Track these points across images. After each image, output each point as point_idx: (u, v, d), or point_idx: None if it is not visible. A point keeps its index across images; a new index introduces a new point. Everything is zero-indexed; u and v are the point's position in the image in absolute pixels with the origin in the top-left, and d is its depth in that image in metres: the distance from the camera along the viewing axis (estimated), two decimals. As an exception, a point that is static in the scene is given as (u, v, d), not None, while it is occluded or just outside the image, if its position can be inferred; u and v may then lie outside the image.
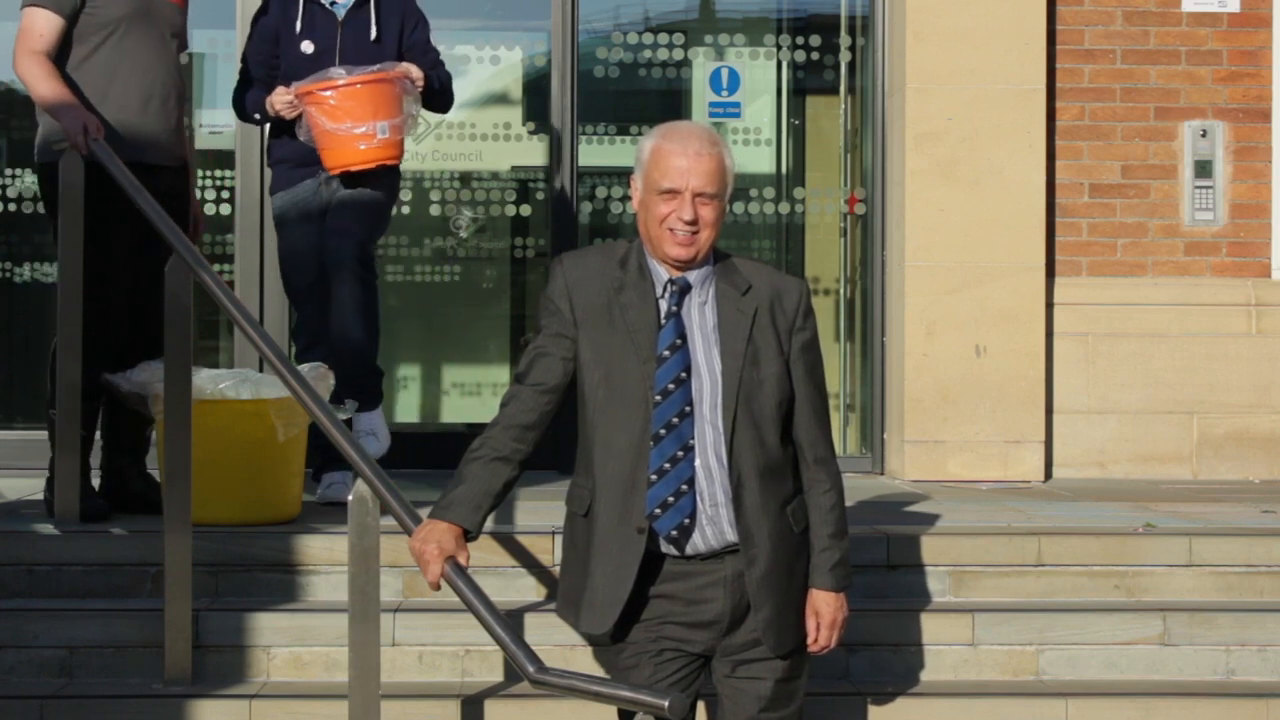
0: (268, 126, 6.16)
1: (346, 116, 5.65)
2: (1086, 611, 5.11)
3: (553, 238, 7.48)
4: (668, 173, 3.65)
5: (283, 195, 5.98)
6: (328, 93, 5.65)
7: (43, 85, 5.31)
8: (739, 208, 7.82)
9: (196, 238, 5.75)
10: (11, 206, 7.72)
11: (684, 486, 3.64)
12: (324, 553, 5.10)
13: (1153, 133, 7.45)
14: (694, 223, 3.65)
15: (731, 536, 3.68)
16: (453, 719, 4.66)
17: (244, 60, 6.05)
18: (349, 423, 5.79)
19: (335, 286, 5.84)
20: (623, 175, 7.79)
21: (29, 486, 6.12)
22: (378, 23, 5.90)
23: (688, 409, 3.65)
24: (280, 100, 5.75)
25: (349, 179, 5.81)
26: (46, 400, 5.45)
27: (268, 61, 5.91)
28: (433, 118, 6.76)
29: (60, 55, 5.37)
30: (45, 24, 5.34)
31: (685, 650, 3.73)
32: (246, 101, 5.97)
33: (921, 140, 7.16)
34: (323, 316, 5.92)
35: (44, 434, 5.46)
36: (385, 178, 5.92)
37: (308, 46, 5.83)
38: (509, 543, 5.15)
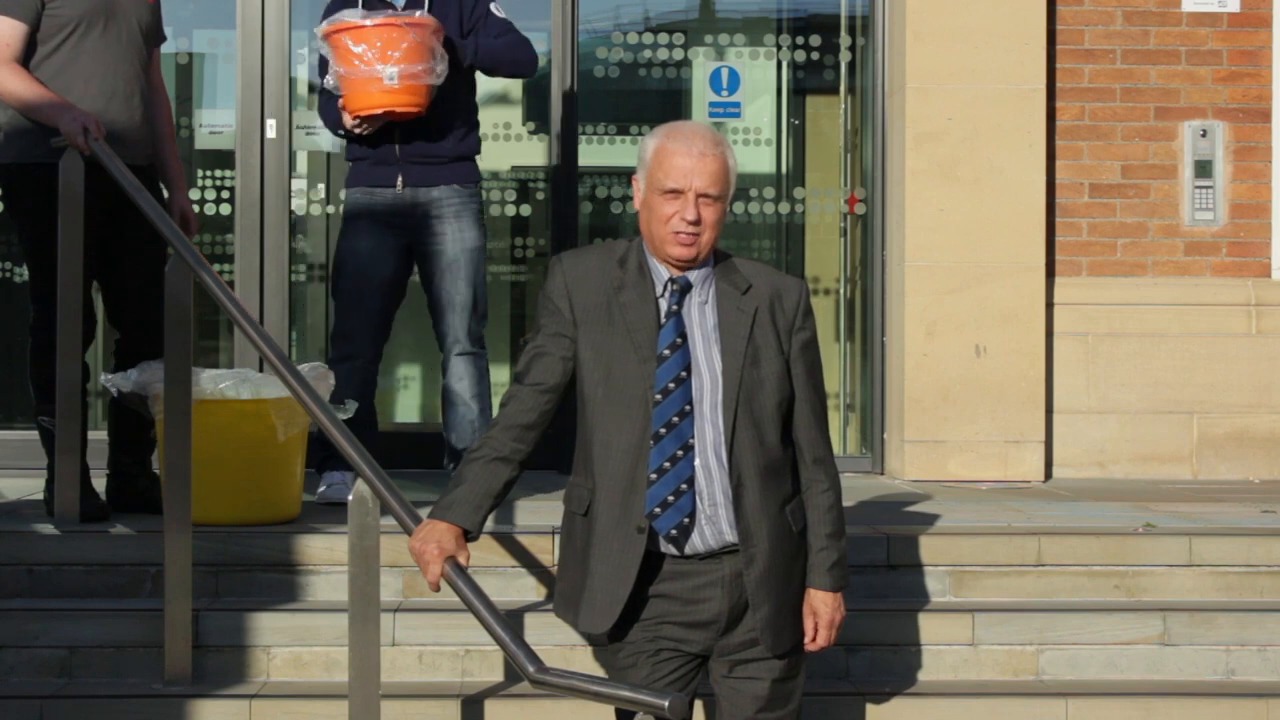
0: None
1: (357, 60, 5.64)
2: (1086, 611, 5.11)
3: (553, 238, 7.49)
4: (671, 173, 3.65)
5: (358, 193, 5.94)
6: (342, 34, 5.65)
7: (25, 90, 5.30)
8: (739, 208, 7.82)
9: (189, 237, 5.74)
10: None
11: (683, 486, 3.64)
12: (324, 553, 5.10)
13: (1153, 133, 7.45)
14: (697, 223, 3.65)
15: (730, 536, 3.68)
16: (453, 719, 4.66)
17: (321, 66, 6.00)
18: (351, 424, 5.81)
19: (449, 364, 5.90)
20: (623, 175, 7.79)
21: (29, 486, 6.13)
22: (431, 4, 5.88)
23: (688, 408, 3.65)
24: (348, 122, 5.81)
25: (425, 180, 5.85)
26: (34, 404, 5.46)
27: None
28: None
29: (24, 57, 5.36)
30: (10, 31, 5.33)
31: (682, 650, 3.73)
32: (327, 115, 5.98)
33: (921, 140, 7.16)
34: (371, 336, 5.90)
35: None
36: (468, 205, 5.92)
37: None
38: (509, 543, 5.15)
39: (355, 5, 5.84)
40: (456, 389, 5.91)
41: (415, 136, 5.84)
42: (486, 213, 7.71)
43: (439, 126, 5.87)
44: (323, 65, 5.88)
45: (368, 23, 5.65)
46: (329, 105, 5.93)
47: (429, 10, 5.86)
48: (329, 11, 5.92)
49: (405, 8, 5.87)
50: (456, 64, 5.85)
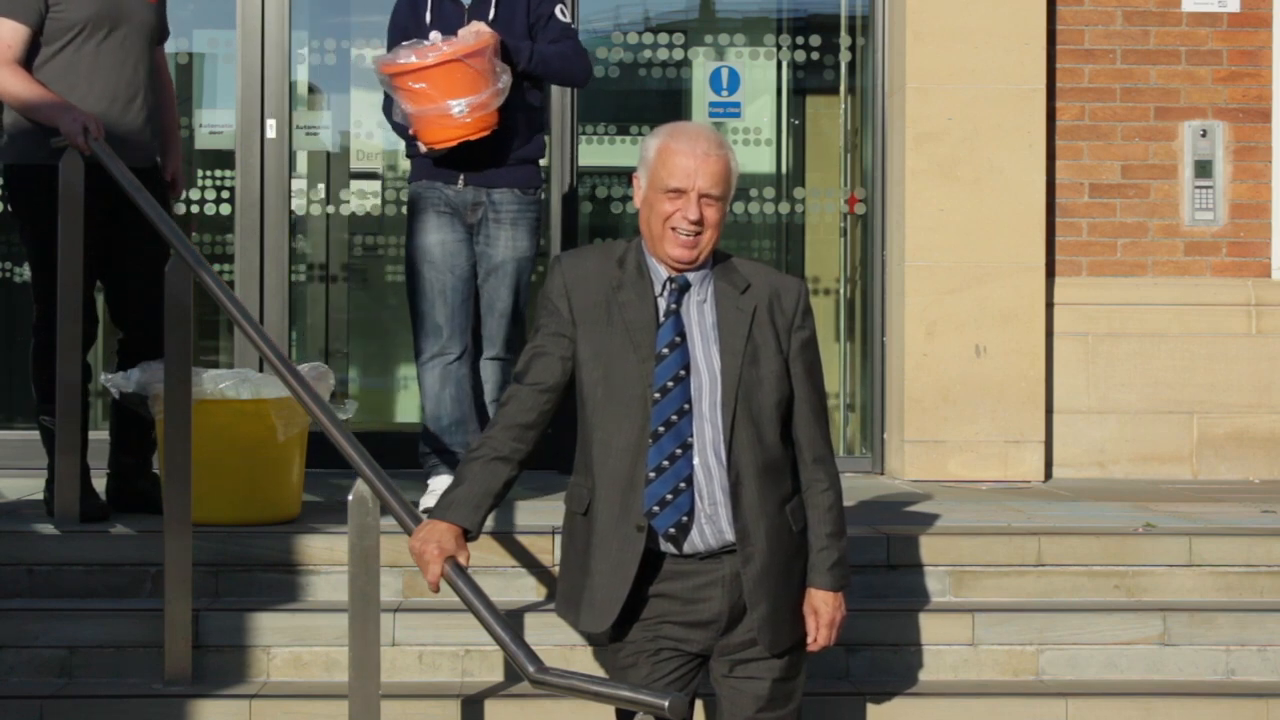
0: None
1: (425, 99, 5.58)
2: (1086, 611, 5.11)
3: (553, 238, 7.48)
4: (674, 172, 3.66)
5: (420, 186, 5.88)
6: (405, 77, 5.58)
7: (25, 91, 5.31)
8: (739, 208, 7.81)
9: (175, 197, 5.82)
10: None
11: (682, 484, 3.64)
12: (324, 553, 5.10)
13: (1153, 133, 7.45)
14: (699, 222, 3.65)
15: (730, 535, 3.68)
16: (453, 719, 4.66)
17: (386, 98, 5.91)
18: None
19: (483, 363, 5.93)
20: (623, 175, 7.79)
21: (29, 486, 6.13)
22: (497, 5, 5.80)
23: (686, 406, 3.65)
24: (423, 150, 5.78)
25: (487, 181, 5.83)
26: (35, 403, 5.46)
27: None
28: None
29: (26, 59, 5.37)
30: (12, 33, 5.34)
31: (683, 650, 3.73)
32: (394, 113, 5.86)
33: (921, 140, 7.16)
34: (453, 331, 5.84)
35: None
36: (525, 213, 5.90)
37: (435, 38, 5.67)
38: (509, 543, 5.15)
39: (424, 11, 5.80)
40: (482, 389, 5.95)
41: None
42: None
43: (506, 128, 5.78)
44: (387, 97, 5.82)
45: (429, 61, 5.55)
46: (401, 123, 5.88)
47: (496, 10, 5.80)
48: (393, 29, 5.88)
49: (472, 6, 5.80)
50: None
